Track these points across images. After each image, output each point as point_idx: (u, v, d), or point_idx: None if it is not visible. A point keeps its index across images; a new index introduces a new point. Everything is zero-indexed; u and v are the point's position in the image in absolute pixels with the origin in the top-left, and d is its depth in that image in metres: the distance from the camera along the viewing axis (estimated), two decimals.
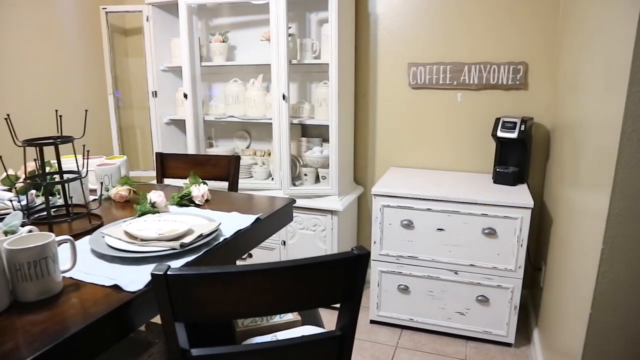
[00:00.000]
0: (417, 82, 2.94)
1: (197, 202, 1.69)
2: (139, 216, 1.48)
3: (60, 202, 1.64)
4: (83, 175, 1.48)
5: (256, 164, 3.15)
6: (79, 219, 1.51)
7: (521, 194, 2.48)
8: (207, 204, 1.73)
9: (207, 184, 1.79)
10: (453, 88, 2.88)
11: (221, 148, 3.31)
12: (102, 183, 1.75)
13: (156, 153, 2.36)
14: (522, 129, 2.57)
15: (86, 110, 1.55)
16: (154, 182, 3.14)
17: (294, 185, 2.91)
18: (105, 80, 3.32)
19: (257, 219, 1.52)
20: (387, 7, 2.93)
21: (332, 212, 2.78)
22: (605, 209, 1.44)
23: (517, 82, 2.76)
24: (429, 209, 2.51)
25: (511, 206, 2.38)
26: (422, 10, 2.86)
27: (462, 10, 2.78)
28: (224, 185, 2.24)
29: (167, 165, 2.35)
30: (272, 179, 3.00)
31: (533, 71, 2.73)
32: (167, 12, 3.23)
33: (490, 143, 2.82)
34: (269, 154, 3.19)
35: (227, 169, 2.21)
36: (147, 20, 3.15)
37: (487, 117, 2.83)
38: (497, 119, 2.67)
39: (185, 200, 1.69)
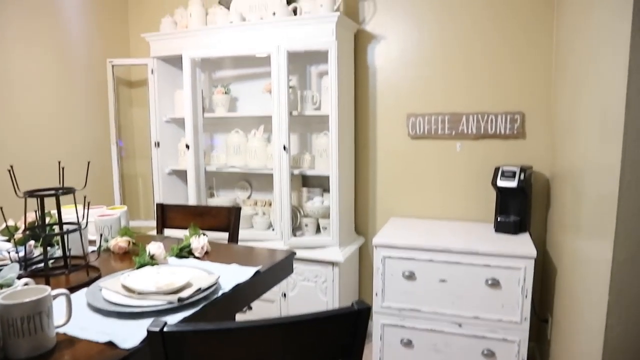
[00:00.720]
0: (417, 132, 2.97)
1: (196, 254, 1.68)
2: (137, 268, 1.46)
3: (59, 253, 1.63)
4: (83, 226, 1.48)
5: (257, 214, 3.14)
6: (77, 271, 1.49)
7: (523, 243, 2.45)
8: (206, 256, 1.72)
9: (206, 236, 1.77)
10: (452, 138, 2.92)
11: (222, 198, 3.32)
12: (101, 235, 1.74)
13: (157, 204, 2.36)
14: (522, 177, 2.58)
15: (88, 162, 1.56)
16: (154, 232, 3.14)
17: (295, 235, 2.90)
18: (109, 129, 3.37)
19: (257, 271, 1.50)
20: (386, 59, 3.01)
21: (332, 263, 2.75)
22: (609, 257, 1.42)
23: (515, 132, 2.80)
24: (430, 260, 2.48)
25: (514, 256, 2.35)
26: (419, 62, 2.93)
27: (458, 62, 2.85)
28: (225, 235, 2.23)
29: (167, 215, 2.34)
30: (273, 229, 2.98)
31: (530, 120, 2.77)
32: (171, 64, 3.32)
33: (491, 192, 2.82)
34: (270, 204, 3.19)
35: (227, 220, 2.21)
36: (152, 72, 3.23)
37: (487, 166, 2.85)
38: (497, 168, 2.68)
39: (185, 252, 1.67)
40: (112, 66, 3.30)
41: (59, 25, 3.16)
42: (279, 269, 1.64)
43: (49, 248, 1.65)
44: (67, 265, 1.49)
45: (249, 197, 3.39)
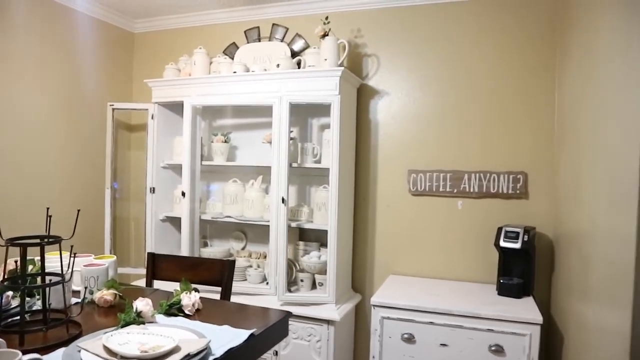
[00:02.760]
0: (417, 188, 2.93)
1: (186, 311, 1.57)
2: (122, 327, 1.35)
3: (40, 303, 1.53)
4: (66, 279, 1.38)
5: (251, 266, 3.04)
6: (56, 327, 1.38)
7: (528, 308, 2.36)
8: (197, 313, 1.61)
9: (198, 291, 1.68)
10: (453, 196, 2.87)
11: (216, 248, 3.22)
12: (86, 288, 1.64)
13: (148, 253, 2.26)
14: (526, 239, 2.51)
15: (78, 210, 1.48)
16: (144, 281, 3.02)
17: (290, 291, 2.78)
18: (105, 173, 3.30)
19: (251, 335, 1.40)
20: (387, 114, 3.00)
21: (328, 321, 2.62)
22: (627, 329, 1.33)
23: (518, 191, 2.75)
24: (431, 322, 2.37)
25: (519, 321, 2.25)
26: (422, 118, 2.92)
27: (461, 120, 2.85)
28: (217, 289, 2.12)
29: (158, 266, 2.24)
30: (267, 283, 2.87)
31: (533, 180, 2.73)
32: (171, 110, 3.30)
33: (492, 252, 2.75)
34: (265, 257, 3.09)
35: (220, 274, 2.11)
36: (152, 118, 3.21)
37: (488, 226, 2.78)
38: (500, 229, 2.61)
39: (174, 309, 1.57)
40: (113, 110, 3.28)
41: (63, 65, 3.16)
42: (274, 331, 1.54)
43: (28, 298, 1.55)
44: (46, 321, 1.39)
45: (243, 248, 3.29)
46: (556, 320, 2.44)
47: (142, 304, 1.42)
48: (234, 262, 2.14)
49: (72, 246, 1.43)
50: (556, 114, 2.66)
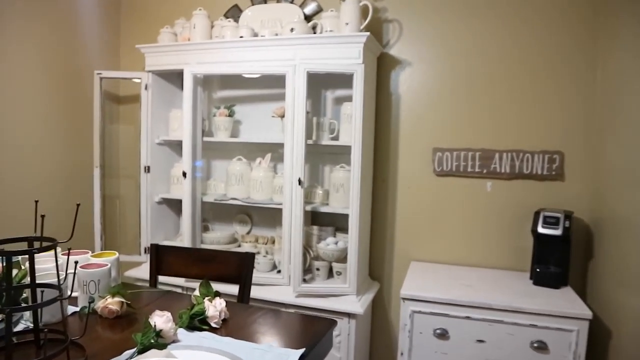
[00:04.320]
0: (443, 168, 2.67)
1: (212, 324, 1.30)
2: (139, 352, 1.08)
3: (28, 315, 1.25)
4: (65, 293, 1.10)
5: (259, 253, 2.77)
6: (53, 352, 1.10)
7: (571, 300, 2.15)
8: (224, 325, 1.34)
9: (220, 295, 1.40)
10: (482, 177, 2.62)
11: (218, 233, 2.93)
12: (90, 303, 1.35)
13: (151, 245, 1.97)
14: (567, 225, 2.30)
15: (78, 205, 1.18)
16: (139, 270, 2.74)
17: (304, 280, 2.53)
18: (93, 150, 2.96)
19: (302, 355, 1.13)
20: (410, 87, 2.71)
21: (349, 314, 2.39)
22: None
23: (553, 173, 2.52)
24: (467, 317, 2.15)
25: (565, 316, 2.04)
26: (448, 91, 2.65)
27: (491, 93, 2.58)
28: (232, 288, 1.85)
29: (163, 259, 1.96)
30: (279, 271, 2.61)
31: (570, 161, 2.49)
32: (167, 81, 2.96)
33: (523, 237, 2.54)
34: (273, 242, 2.83)
35: (238, 270, 1.84)
36: (146, 88, 2.87)
37: (520, 210, 2.56)
38: (537, 213, 2.39)
39: (197, 322, 1.29)
40: (101, 79, 2.92)
41: (46, 30, 2.79)
42: (322, 347, 1.28)
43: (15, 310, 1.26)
44: (38, 343, 1.10)
45: (248, 233, 3.02)
46: (599, 313, 2.24)
47: (161, 321, 1.15)
48: (253, 255, 1.87)
49: (69, 249, 1.15)
50: (599, 88, 2.41)
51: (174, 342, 1.17)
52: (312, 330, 1.32)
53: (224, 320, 1.35)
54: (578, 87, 2.45)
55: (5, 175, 2.61)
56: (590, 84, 2.43)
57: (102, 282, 1.42)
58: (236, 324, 1.35)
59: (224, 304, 1.35)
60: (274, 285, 2.55)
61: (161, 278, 2.00)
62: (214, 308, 1.30)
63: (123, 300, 1.37)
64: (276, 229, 2.84)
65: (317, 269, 2.58)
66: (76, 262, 1.19)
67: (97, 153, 2.95)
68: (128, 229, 3.37)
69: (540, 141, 2.53)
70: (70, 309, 1.41)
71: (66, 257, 1.14)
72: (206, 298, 1.36)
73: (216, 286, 1.47)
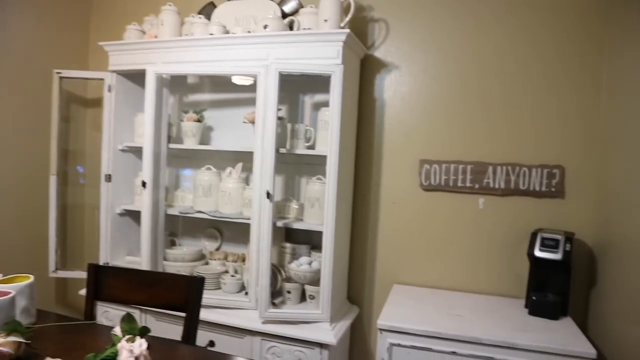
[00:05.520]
0: (431, 182, 2.42)
1: None
2: None
3: None
4: None
5: (227, 272, 2.51)
6: None
7: (572, 334, 1.90)
8: None
9: (148, 331, 1.14)
10: (474, 192, 2.38)
11: (185, 249, 2.67)
12: None
13: (89, 265, 1.70)
14: (567, 248, 2.05)
15: None
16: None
17: (274, 304, 2.27)
18: (50, 156, 2.70)
19: None
20: (397, 92, 2.48)
21: (321, 345, 2.12)
22: None
23: (552, 189, 2.27)
24: (453, 352, 1.89)
25: (565, 354, 1.78)
26: (438, 98, 2.41)
27: (485, 100, 2.34)
28: (180, 315, 1.59)
29: (103, 282, 1.69)
30: (246, 293, 2.35)
31: (571, 176, 2.25)
32: (134, 82, 2.72)
33: (519, 260, 2.29)
34: (244, 260, 2.57)
35: (184, 296, 1.57)
36: (109, 90, 2.63)
37: (516, 230, 2.32)
38: (534, 234, 2.14)
39: None
40: (60, 78, 2.68)
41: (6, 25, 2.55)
42: None
43: None
44: None
45: (217, 249, 2.76)
46: (603, 350, 1.98)
47: None
48: (202, 280, 1.61)
49: None
50: (604, 97, 2.17)
51: None
52: None
53: None
54: (580, 96, 2.22)
55: None
56: (594, 92, 2.20)
57: (2, 315, 1.16)
58: None
59: (144, 346, 1.08)
60: (240, 310, 2.29)
61: (100, 309, 1.73)
62: (128, 353, 1.04)
63: (20, 340, 1.10)
64: (248, 245, 2.58)
65: (288, 292, 2.32)
66: None
67: (54, 159, 2.70)
68: (92, 243, 3.10)
69: (538, 154, 2.29)
70: None
71: None
72: (126, 337, 1.10)
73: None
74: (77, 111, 3.09)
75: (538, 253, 2.09)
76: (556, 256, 2.05)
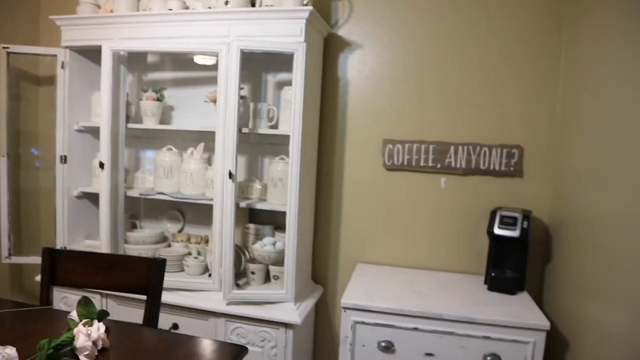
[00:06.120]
0: (394, 162, 2.44)
1: (83, 357, 1.01)
2: None
3: None
4: None
5: (190, 254, 2.48)
6: None
7: (529, 309, 1.97)
8: (102, 356, 1.05)
9: (108, 314, 1.12)
10: (436, 172, 2.41)
11: (146, 232, 2.62)
12: None
13: (44, 249, 1.64)
14: (525, 226, 2.11)
15: None
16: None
17: (238, 285, 2.26)
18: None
19: None
20: (360, 72, 2.47)
21: (286, 324, 2.13)
22: None
23: (511, 169, 2.33)
24: (415, 328, 1.93)
25: (522, 327, 1.85)
26: (401, 79, 2.41)
27: (448, 82, 2.36)
28: (142, 299, 1.57)
29: (59, 266, 1.63)
30: (210, 275, 2.33)
31: (530, 156, 2.31)
32: (89, 59, 2.61)
33: (479, 238, 2.35)
34: (207, 242, 2.54)
35: (145, 278, 1.54)
36: (62, 67, 2.52)
37: (476, 208, 2.37)
38: (493, 212, 2.20)
39: (65, 353, 1.00)
40: (8, 54, 2.54)
41: None
42: None
43: None
44: None
45: (180, 231, 2.71)
46: (557, 322, 2.06)
47: None
48: (163, 262, 1.58)
49: None
50: (561, 78, 2.23)
51: None
52: None
53: (102, 350, 1.06)
54: (539, 76, 2.27)
55: None
56: (553, 73, 2.25)
57: None
58: (117, 357, 1.06)
59: (102, 329, 1.06)
60: (204, 291, 2.26)
61: (57, 295, 1.68)
62: (85, 337, 1.01)
63: None
64: (211, 226, 2.54)
65: (252, 273, 2.31)
66: None
67: (4, 140, 2.58)
68: (48, 227, 3.00)
69: (498, 134, 2.33)
70: None
71: None
72: (83, 321, 1.07)
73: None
74: (28, 89, 2.95)
75: (497, 231, 2.14)
76: (514, 234, 2.10)
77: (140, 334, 1.24)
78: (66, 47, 2.51)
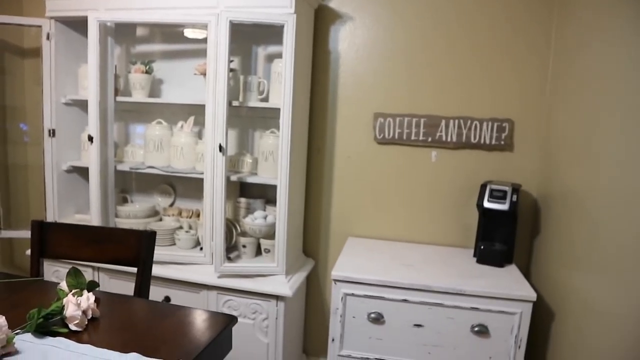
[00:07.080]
0: (385, 136, 2.44)
1: (72, 326, 1.02)
2: None
3: None
4: None
5: (181, 227, 2.48)
6: None
7: (516, 281, 2.00)
8: (92, 326, 1.06)
9: (97, 285, 1.12)
10: (427, 145, 2.41)
11: (137, 206, 2.61)
12: None
13: (33, 222, 1.63)
14: (514, 199, 2.13)
15: None
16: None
17: (229, 259, 2.27)
18: None
19: None
20: (351, 45, 2.44)
21: (277, 297, 2.16)
22: None
23: (502, 142, 2.33)
24: (404, 300, 1.95)
25: (508, 298, 1.88)
26: (393, 52, 2.39)
27: (439, 56, 2.34)
28: (134, 272, 1.57)
29: (49, 239, 1.63)
30: (201, 248, 2.34)
31: (520, 130, 2.31)
32: (76, 31, 2.56)
33: (469, 211, 2.37)
34: (198, 216, 2.54)
35: (136, 250, 1.54)
36: (48, 38, 2.47)
37: (467, 182, 2.38)
38: (483, 186, 2.21)
39: (55, 323, 1.01)
40: None
41: None
42: (211, 351, 1.02)
43: None
44: None
45: (171, 205, 2.71)
46: (543, 293, 2.10)
47: None
48: (153, 234, 1.58)
49: None
50: (552, 53, 2.22)
51: (7, 354, 0.88)
52: (201, 331, 1.06)
53: (92, 319, 1.07)
54: (530, 50, 2.25)
55: None
56: (544, 48, 2.24)
57: None
58: (108, 326, 1.07)
59: (92, 299, 1.06)
60: (195, 265, 2.28)
61: (47, 268, 1.68)
62: (75, 306, 1.02)
63: None
64: (202, 200, 2.54)
65: (244, 246, 2.32)
66: None
67: None
68: (38, 202, 2.98)
69: (489, 108, 2.33)
70: None
71: None
72: (73, 291, 1.07)
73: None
74: (12, 62, 2.90)
75: (487, 204, 2.16)
76: (503, 207, 2.12)
77: (130, 304, 1.26)
78: (51, 18, 2.45)
